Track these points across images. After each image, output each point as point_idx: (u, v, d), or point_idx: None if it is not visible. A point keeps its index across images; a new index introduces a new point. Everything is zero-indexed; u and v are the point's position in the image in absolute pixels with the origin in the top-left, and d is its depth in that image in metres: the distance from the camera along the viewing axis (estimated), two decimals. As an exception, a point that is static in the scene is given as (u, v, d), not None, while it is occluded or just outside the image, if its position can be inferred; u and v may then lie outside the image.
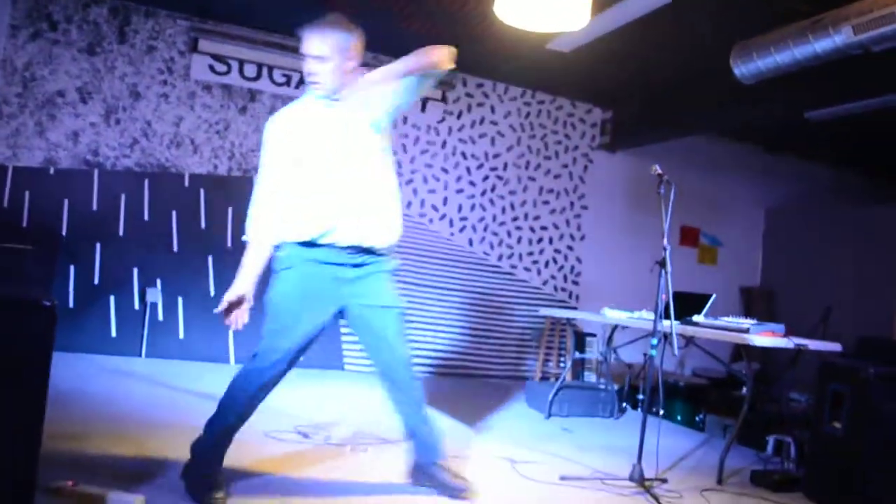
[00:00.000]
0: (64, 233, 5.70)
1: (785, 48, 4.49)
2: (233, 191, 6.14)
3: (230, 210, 6.15)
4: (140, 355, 5.73)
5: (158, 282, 5.89)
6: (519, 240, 7.19)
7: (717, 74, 5.22)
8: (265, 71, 6.32)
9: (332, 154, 2.71)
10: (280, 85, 6.35)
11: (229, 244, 6.08)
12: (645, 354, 3.78)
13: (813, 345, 3.99)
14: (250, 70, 6.28)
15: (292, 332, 2.68)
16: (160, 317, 5.87)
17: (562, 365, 6.95)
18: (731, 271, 8.25)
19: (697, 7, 4.61)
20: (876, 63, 4.40)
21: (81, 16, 5.84)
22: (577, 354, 6.64)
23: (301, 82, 6.34)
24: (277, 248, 2.76)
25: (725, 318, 4.23)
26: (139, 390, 4.54)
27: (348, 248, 2.71)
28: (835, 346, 4.21)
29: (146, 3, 5.97)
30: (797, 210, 8.36)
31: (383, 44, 6.31)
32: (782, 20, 4.53)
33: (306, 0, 5.52)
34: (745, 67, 4.85)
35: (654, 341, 3.51)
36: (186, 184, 6.11)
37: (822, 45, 4.27)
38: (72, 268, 5.69)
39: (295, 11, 5.79)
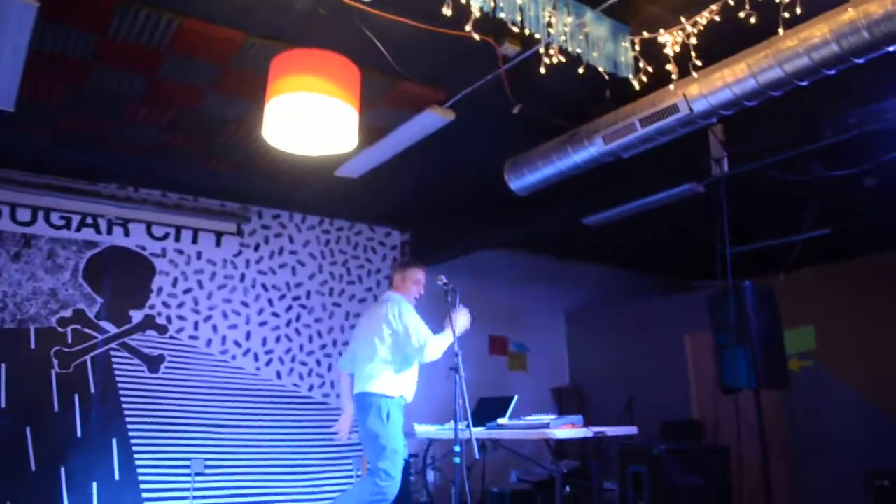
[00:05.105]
0: None
1: (549, 162, 4.90)
2: (6, 344, 5.56)
3: (3, 366, 5.53)
4: None
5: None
6: (329, 367, 7.02)
7: (498, 190, 5.55)
8: (41, 214, 5.93)
9: None
10: (59, 228, 5.97)
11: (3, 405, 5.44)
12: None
13: (610, 431, 4.17)
14: (23, 214, 5.86)
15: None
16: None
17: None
18: (541, 374, 8.55)
19: (470, 129, 4.91)
20: (628, 168, 4.90)
21: None
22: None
23: (82, 224, 6.03)
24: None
25: (528, 417, 4.34)
26: None
27: None
28: (631, 430, 4.43)
29: None
30: (592, 310, 8.94)
31: (177, 181, 6.23)
32: (544, 135, 4.97)
33: (81, 138, 5.36)
34: (519, 182, 5.22)
35: (457, 448, 3.50)
36: (-51, 342, 5.46)
37: (580, 156, 4.70)
38: None
39: (69, 151, 5.58)
